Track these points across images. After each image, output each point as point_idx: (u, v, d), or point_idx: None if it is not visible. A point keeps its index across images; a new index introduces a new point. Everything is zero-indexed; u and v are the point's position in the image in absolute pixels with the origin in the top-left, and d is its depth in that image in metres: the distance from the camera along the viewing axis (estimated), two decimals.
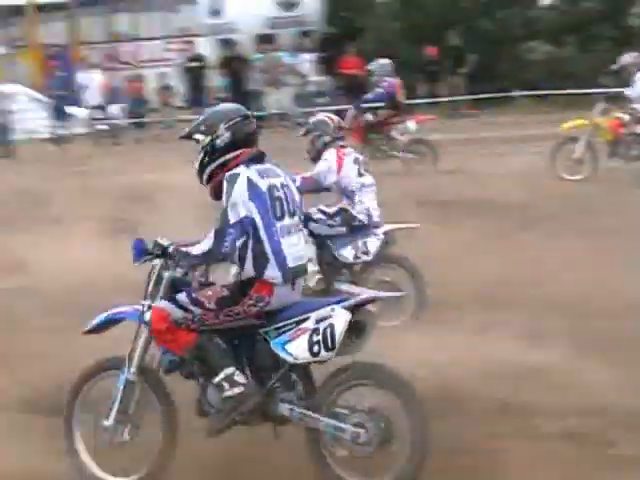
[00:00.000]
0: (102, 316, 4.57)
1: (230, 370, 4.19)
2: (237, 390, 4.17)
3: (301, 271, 4.33)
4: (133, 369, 4.39)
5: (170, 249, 4.33)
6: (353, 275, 7.12)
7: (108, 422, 4.41)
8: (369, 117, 13.46)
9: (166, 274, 4.40)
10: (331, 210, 7.07)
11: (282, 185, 4.31)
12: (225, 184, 4.16)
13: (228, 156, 4.28)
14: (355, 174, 7.13)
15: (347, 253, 7.02)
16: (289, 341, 4.12)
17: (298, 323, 4.13)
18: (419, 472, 4.03)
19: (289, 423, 4.21)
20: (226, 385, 4.18)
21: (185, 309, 4.26)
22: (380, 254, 7.01)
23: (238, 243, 4.12)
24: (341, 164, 7.08)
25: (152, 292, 4.41)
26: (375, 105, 13.51)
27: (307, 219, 6.81)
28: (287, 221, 4.27)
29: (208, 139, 4.32)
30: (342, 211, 7.06)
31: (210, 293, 4.28)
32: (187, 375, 4.39)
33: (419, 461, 4.02)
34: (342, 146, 7.26)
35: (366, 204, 7.08)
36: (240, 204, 4.12)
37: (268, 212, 4.18)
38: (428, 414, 4.06)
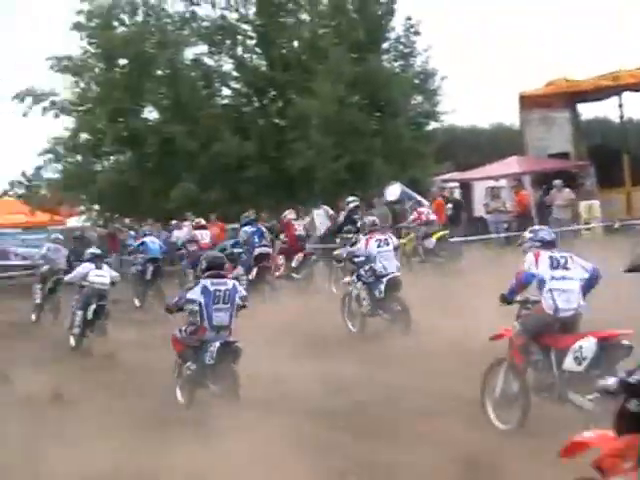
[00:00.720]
0: None
1: (189, 363, 9.68)
2: (189, 372, 9.65)
3: (222, 327, 9.64)
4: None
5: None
6: (385, 305, 13.40)
7: None
8: None
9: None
10: (367, 268, 13.69)
11: (225, 290, 9.74)
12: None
13: (204, 275, 9.89)
14: (375, 246, 13.82)
15: (377, 292, 13.51)
16: (206, 354, 9.47)
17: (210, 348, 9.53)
18: None
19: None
20: (186, 369, 9.69)
21: (180, 332, 9.92)
22: (388, 293, 13.41)
23: (190, 307, 9.69)
24: (367, 244, 13.91)
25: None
26: None
27: (359, 275, 13.76)
28: (220, 305, 9.65)
29: (198, 268, 10.41)
30: (370, 268, 13.69)
31: (189, 328, 9.79)
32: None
33: None
34: (373, 231, 14.27)
35: (383, 263, 13.70)
36: (195, 293, 9.67)
37: (210, 300, 9.60)
38: None
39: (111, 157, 30.79)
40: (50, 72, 29.04)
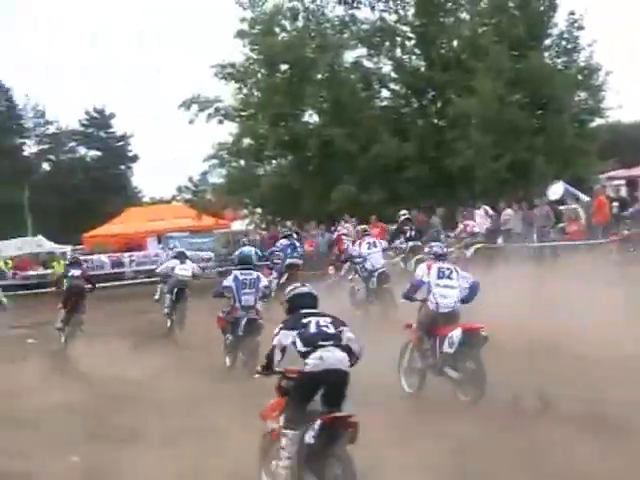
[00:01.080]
0: None
1: (228, 335, 12.80)
2: (228, 341, 12.80)
3: (248, 307, 12.75)
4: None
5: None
6: (379, 295, 16.68)
7: None
8: None
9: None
10: (361, 266, 17.06)
11: (251, 279, 12.97)
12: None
13: (236, 267, 13.33)
14: (366, 248, 17.28)
15: (370, 284, 16.92)
16: (238, 328, 12.63)
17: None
18: None
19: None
20: (226, 339, 12.83)
21: (222, 312, 12.99)
22: (380, 285, 16.78)
23: (225, 292, 12.90)
24: (360, 247, 17.48)
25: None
26: None
27: (357, 272, 17.36)
28: (247, 290, 12.83)
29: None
30: (363, 267, 17.05)
31: (227, 308, 12.88)
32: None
33: None
34: (365, 237, 17.96)
35: (372, 261, 17.04)
36: (228, 281, 13.00)
37: (239, 285, 12.84)
38: None
39: (273, 161, 31.63)
40: (214, 79, 30.15)
